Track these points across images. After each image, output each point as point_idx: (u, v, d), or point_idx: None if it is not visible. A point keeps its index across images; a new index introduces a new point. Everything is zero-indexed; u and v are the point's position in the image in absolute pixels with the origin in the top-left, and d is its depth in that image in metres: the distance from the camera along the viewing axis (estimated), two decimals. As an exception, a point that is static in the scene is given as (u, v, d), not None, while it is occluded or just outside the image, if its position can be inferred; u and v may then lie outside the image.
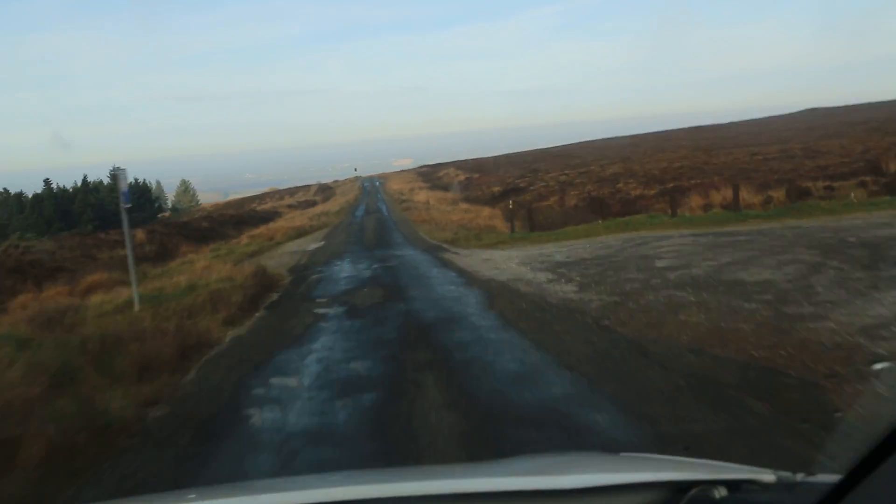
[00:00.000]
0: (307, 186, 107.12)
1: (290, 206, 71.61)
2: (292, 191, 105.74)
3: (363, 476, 2.60)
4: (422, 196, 54.02)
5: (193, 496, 2.16)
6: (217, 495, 2.06)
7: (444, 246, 22.11)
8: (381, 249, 22.95)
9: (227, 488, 2.58)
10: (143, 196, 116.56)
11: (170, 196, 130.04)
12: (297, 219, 44.25)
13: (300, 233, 34.89)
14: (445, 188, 70.18)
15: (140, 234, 32.55)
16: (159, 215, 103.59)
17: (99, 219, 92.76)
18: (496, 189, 56.45)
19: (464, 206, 40.47)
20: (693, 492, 1.49)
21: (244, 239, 33.14)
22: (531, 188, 49.56)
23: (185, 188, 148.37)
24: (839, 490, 1.22)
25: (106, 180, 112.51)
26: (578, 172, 56.25)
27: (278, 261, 21.95)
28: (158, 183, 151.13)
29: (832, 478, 1.36)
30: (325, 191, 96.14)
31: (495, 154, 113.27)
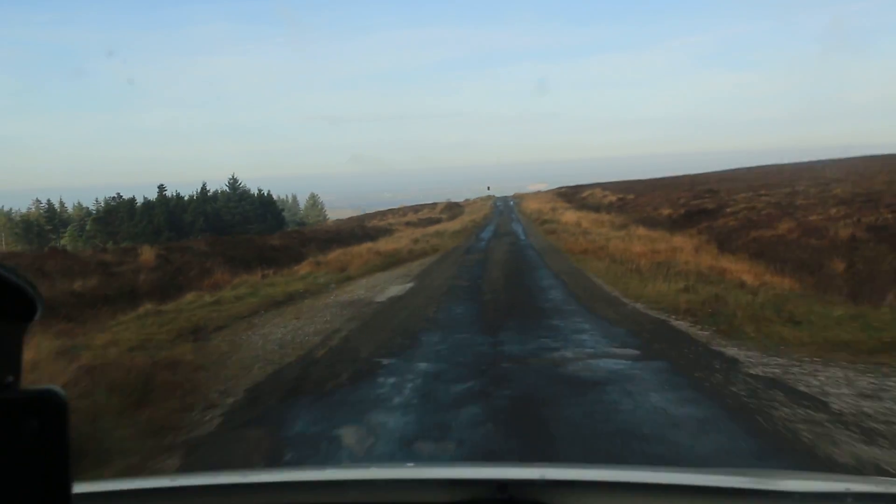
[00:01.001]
0: (434, 204, 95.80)
1: (408, 224, 60.22)
2: (417, 208, 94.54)
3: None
4: (569, 216, 40.85)
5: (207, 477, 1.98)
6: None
7: (704, 336, 8.55)
8: (518, 320, 10.15)
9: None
10: (267, 208, 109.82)
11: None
12: (404, 239, 32.21)
13: (391, 261, 22.75)
14: (595, 209, 56.51)
15: (148, 252, 21.33)
16: (285, 228, 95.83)
17: (213, 228, 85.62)
18: (667, 212, 42.48)
19: (640, 231, 27.03)
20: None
21: (305, 268, 21.30)
22: (725, 210, 35.37)
23: (314, 202, 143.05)
24: None
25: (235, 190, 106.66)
26: (785, 193, 41.28)
27: (288, 334, 9.69)
28: (294, 197, 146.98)
29: None
30: (453, 209, 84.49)
31: (638, 178, 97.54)
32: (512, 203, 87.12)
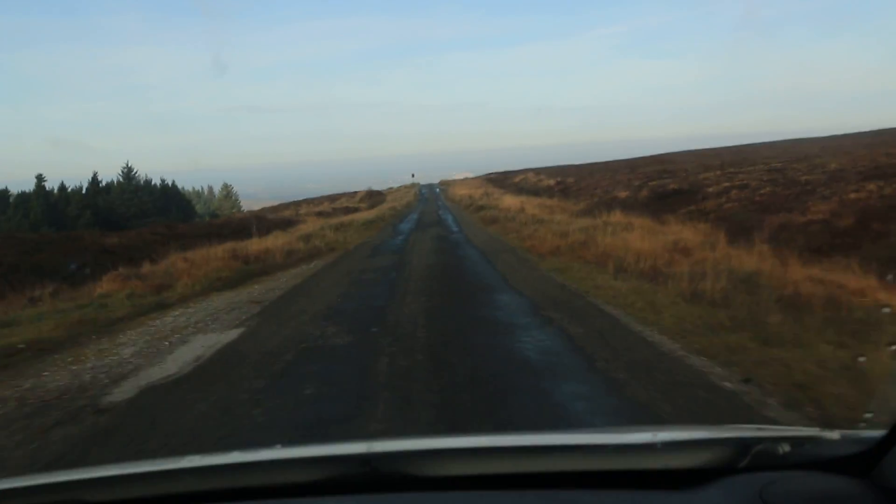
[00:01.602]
0: (354, 193, 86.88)
1: (319, 213, 51.54)
2: (334, 197, 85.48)
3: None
4: (509, 201, 33.16)
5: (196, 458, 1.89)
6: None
7: None
8: None
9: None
10: (171, 200, 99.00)
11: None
12: (296, 233, 23.82)
13: (253, 270, 14.54)
14: (535, 193, 49.17)
15: None
16: (194, 220, 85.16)
17: (104, 222, 75.05)
18: (624, 194, 35.37)
19: (617, 217, 19.40)
20: (758, 447, 1.51)
21: (109, 285, 12.87)
22: (706, 191, 28.29)
23: (228, 193, 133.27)
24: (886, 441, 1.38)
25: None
26: (763, 170, 34.65)
27: None
28: (211, 188, 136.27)
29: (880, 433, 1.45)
30: (374, 197, 75.83)
31: (567, 163, 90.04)
32: (438, 190, 79.12)
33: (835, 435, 1.51)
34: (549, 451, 1.65)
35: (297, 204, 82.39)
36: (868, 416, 2.67)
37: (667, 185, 33.17)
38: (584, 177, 60.78)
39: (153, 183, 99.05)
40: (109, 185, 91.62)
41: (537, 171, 78.51)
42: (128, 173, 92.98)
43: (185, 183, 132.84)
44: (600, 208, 27.77)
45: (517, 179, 73.00)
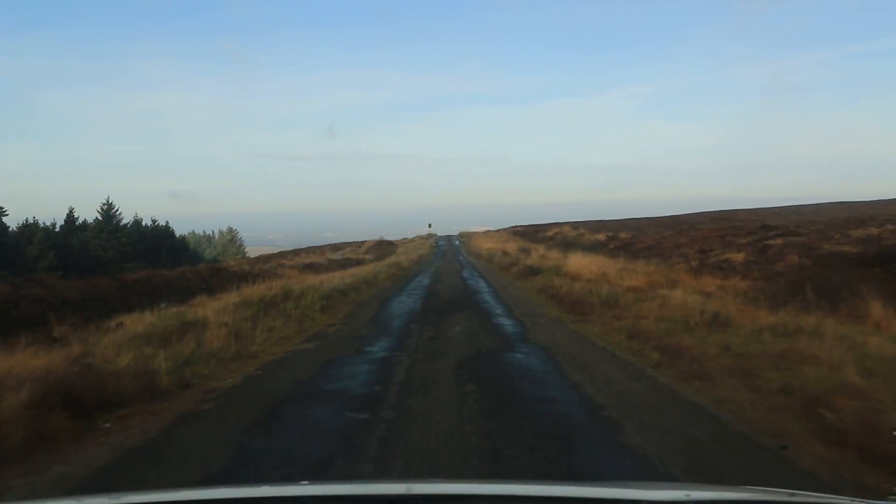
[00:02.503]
0: (361, 242, 74.56)
1: (308, 266, 39.79)
2: (339, 246, 73.24)
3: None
4: (579, 262, 21.03)
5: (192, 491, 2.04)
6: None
7: None
8: None
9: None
10: (161, 242, 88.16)
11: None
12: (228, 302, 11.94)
13: None
14: (590, 249, 37.07)
15: None
16: (189, 265, 73.89)
17: (74, 265, 64.13)
18: (738, 256, 23.35)
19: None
20: None
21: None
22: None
23: (232, 238, 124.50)
24: None
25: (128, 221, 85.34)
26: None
27: None
28: (222, 232, 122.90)
29: None
30: (383, 247, 63.61)
31: (597, 218, 76.89)
32: (458, 242, 67.02)
33: None
34: (551, 502, 1.65)
35: (294, 253, 69.53)
36: None
37: (820, 246, 21.26)
38: (639, 232, 49.03)
39: (144, 224, 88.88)
40: (85, 224, 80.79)
41: (574, 225, 66.17)
42: (107, 211, 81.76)
43: (201, 227, 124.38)
44: (715, 273, 16.58)
45: (551, 233, 60.57)
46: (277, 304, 12.29)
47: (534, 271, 20.54)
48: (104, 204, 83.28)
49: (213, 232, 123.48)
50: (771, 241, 27.75)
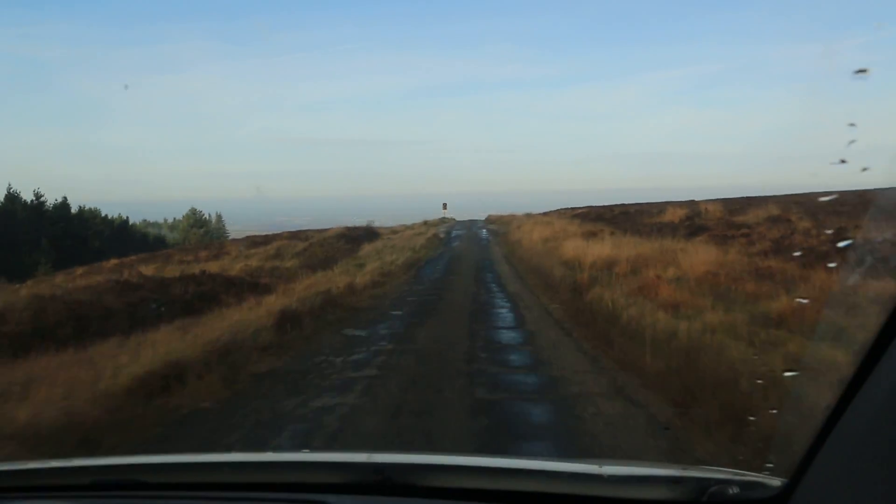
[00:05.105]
0: (324, 230, 45.45)
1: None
2: (298, 234, 47.77)
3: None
4: None
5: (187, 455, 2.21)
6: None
7: None
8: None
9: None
10: (86, 226, 73.35)
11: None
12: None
13: None
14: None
15: None
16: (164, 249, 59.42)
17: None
18: None
19: None
20: (714, 488, 1.54)
21: None
22: None
23: (196, 220, 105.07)
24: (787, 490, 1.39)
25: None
26: None
27: None
28: (219, 216, 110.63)
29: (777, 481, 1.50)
30: (352, 241, 34.80)
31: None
32: (486, 233, 43.07)
33: (776, 482, 1.54)
34: (516, 474, 1.79)
35: (269, 237, 47.36)
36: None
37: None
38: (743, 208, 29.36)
39: (85, 210, 75.65)
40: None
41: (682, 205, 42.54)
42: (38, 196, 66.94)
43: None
44: None
45: (668, 218, 31.06)
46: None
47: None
48: (35, 190, 67.78)
49: (208, 215, 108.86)
50: None
